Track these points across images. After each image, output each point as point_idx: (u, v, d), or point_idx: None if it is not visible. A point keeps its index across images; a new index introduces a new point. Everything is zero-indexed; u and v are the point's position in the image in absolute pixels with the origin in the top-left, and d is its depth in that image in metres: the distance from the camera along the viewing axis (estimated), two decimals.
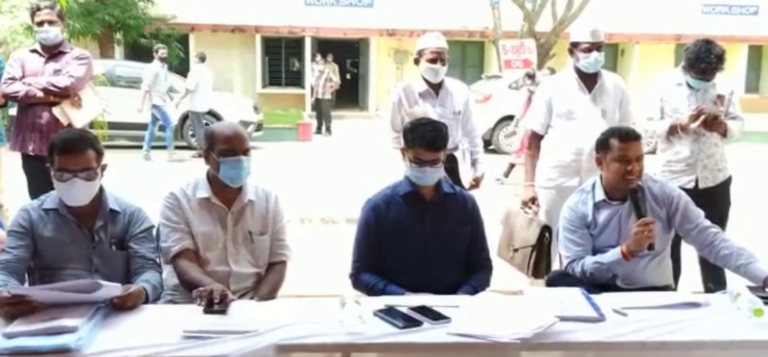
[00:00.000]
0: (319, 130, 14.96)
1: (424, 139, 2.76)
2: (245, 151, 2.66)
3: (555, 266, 3.47)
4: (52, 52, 4.27)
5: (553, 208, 3.68)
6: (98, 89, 4.66)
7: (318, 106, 15.37)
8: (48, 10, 4.22)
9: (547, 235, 3.40)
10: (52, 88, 4.18)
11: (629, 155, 2.77)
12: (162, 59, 10.79)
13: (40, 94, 4.17)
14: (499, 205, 3.84)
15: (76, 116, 4.24)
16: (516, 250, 3.48)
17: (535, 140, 3.89)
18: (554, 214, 3.62)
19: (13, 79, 4.23)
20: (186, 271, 2.60)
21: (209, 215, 2.71)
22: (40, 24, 4.21)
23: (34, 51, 4.33)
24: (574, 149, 3.68)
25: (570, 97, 3.72)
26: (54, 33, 4.23)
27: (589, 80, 3.72)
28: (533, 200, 3.76)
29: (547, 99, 3.82)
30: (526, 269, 3.40)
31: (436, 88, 3.99)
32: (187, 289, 2.57)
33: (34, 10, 4.25)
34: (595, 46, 3.64)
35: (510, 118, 11.93)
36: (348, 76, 21.93)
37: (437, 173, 2.81)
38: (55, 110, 4.19)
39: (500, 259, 3.54)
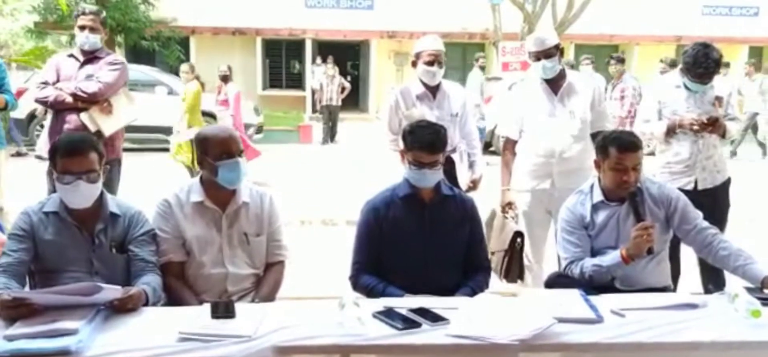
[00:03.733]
0: (325, 140, 13.59)
1: (423, 141, 2.77)
2: (240, 153, 2.69)
3: (548, 270, 3.49)
4: (88, 57, 4.27)
5: (530, 211, 3.73)
6: (133, 95, 4.55)
7: (326, 114, 13.79)
8: (92, 16, 4.24)
9: (518, 240, 3.44)
10: (80, 93, 4.16)
11: (626, 164, 2.78)
12: (482, 68, 10.89)
13: (70, 99, 4.15)
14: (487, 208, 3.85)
15: (105, 123, 4.20)
16: (492, 253, 3.51)
17: (509, 145, 3.91)
18: (531, 217, 3.71)
19: (46, 83, 4.24)
20: (169, 285, 2.65)
21: (203, 219, 2.73)
22: (82, 29, 4.22)
23: (71, 55, 4.35)
24: (544, 152, 3.69)
25: (537, 101, 3.74)
26: (93, 40, 4.24)
27: (554, 84, 3.73)
28: (510, 205, 3.77)
29: (517, 104, 3.87)
30: (499, 272, 3.45)
31: (434, 90, 4.00)
32: (170, 302, 2.61)
33: (79, 14, 4.26)
34: (543, 54, 3.65)
35: None
36: (348, 78, 21.93)
37: (436, 175, 2.82)
38: (83, 116, 4.17)
39: None
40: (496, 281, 3.05)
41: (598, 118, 3.72)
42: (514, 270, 3.42)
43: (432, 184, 2.84)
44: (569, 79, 3.74)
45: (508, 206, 3.76)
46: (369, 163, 9.22)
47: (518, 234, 3.45)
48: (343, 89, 14.16)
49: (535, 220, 3.73)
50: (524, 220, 3.71)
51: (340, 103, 14.11)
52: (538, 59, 3.66)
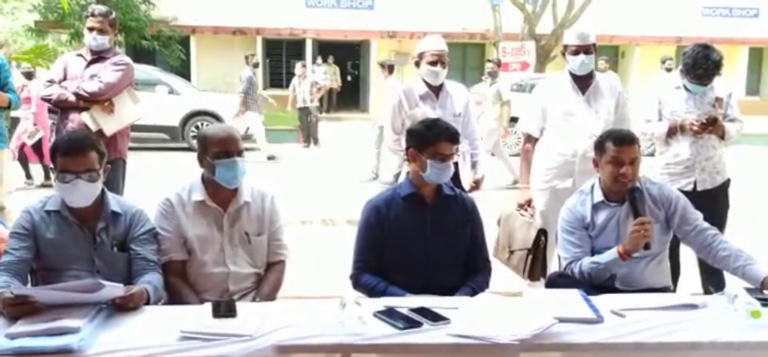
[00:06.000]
0: (307, 142, 12.77)
1: (448, 132, 2.80)
2: (239, 152, 2.70)
3: (552, 268, 3.48)
4: (95, 57, 4.29)
5: (548, 210, 3.71)
6: (138, 95, 4.54)
7: (303, 116, 12.82)
8: (101, 17, 4.26)
9: (543, 238, 3.42)
10: (81, 92, 4.18)
11: (622, 158, 2.79)
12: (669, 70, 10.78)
13: (72, 98, 4.18)
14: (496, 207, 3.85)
15: (106, 122, 4.20)
16: (512, 252, 3.49)
17: (529, 143, 3.91)
18: (549, 216, 3.65)
19: (52, 82, 4.27)
20: (170, 284, 2.66)
21: (205, 218, 2.73)
22: (90, 30, 4.26)
23: (79, 55, 4.38)
24: (568, 151, 3.70)
25: (564, 99, 3.74)
26: (100, 41, 4.26)
27: (583, 82, 3.73)
28: (529, 203, 3.77)
29: (541, 101, 3.85)
30: (523, 272, 3.42)
31: (437, 90, 4.00)
32: (172, 301, 2.62)
33: (88, 15, 4.30)
34: (583, 49, 3.66)
35: (510, 120, 11.97)
36: (349, 78, 21.94)
37: (452, 168, 2.84)
38: (84, 115, 4.18)
39: (496, 260, 3.55)
40: (496, 281, 3.04)
41: (619, 120, 3.71)
42: (537, 268, 3.39)
43: (448, 178, 2.85)
44: (597, 80, 3.75)
45: (527, 204, 3.76)
46: (369, 163, 9.26)
47: (542, 232, 3.42)
48: (320, 89, 13.32)
49: (552, 219, 3.70)
50: (541, 220, 3.68)
51: (315, 103, 12.91)
52: (576, 54, 3.66)
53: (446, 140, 2.77)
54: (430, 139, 2.78)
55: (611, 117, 3.71)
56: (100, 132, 4.07)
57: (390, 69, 9.86)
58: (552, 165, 3.76)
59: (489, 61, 10.14)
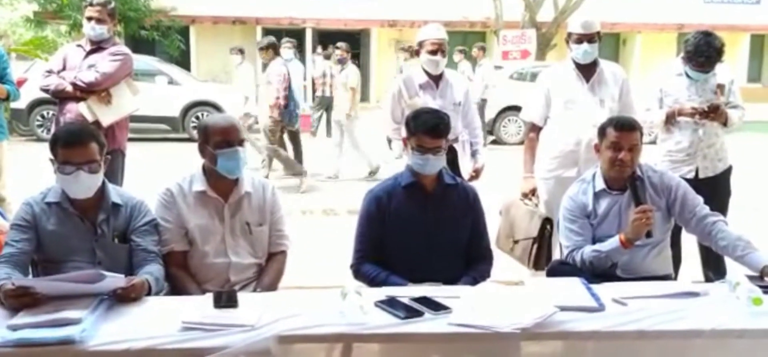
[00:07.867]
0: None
1: (427, 125, 2.78)
2: (241, 142, 2.69)
3: (556, 257, 3.48)
4: (94, 47, 4.29)
5: (552, 199, 3.69)
6: (137, 85, 4.52)
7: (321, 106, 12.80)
8: (99, 7, 4.24)
9: (548, 227, 3.41)
10: (78, 82, 4.17)
11: (622, 144, 2.79)
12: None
13: (70, 88, 4.18)
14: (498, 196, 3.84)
15: (103, 113, 4.19)
16: (516, 242, 3.49)
17: (533, 131, 3.90)
18: (554, 205, 3.63)
19: (51, 72, 4.28)
20: (171, 274, 2.66)
21: (206, 208, 2.73)
22: (89, 19, 4.25)
23: (79, 45, 4.38)
24: (572, 139, 3.68)
25: (568, 87, 3.73)
26: (99, 30, 4.25)
27: (586, 70, 3.72)
28: (533, 192, 3.76)
29: (545, 90, 3.83)
30: (527, 261, 3.41)
31: (437, 79, 4.00)
32: (173, 291, 2.62)
33: (87, 5, 4.28)
34: (586, 37, 3.64)
35: (512, 108, 11.95)
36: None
37: (439, 161, 2.82)
38: (81, 106, 4.17)
39: (499, 250, 3.55)
40: (497, 270, 3.04)
41: (624, 109, 3.69)
42: (542, 257, 3.39)
43: (435, 170, 2.84)
44: (601, 67, 3.73)
45: (531, 193, 3.75)
46: (370, 152, 9.24)
47: (547, 221, 3.42)
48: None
49: (556, 207, 3.69)
50: (545, 209, 3.68)
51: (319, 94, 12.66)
52: (579, 42, 3.64)
53: (425, 133, 2.76)
54: (412, 129, 2.80)
55: (616, 105, 3.69)
56: (97, 123, 4.06)
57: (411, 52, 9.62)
58: (556, 154, 3.75)
59: (337, 47, 9.92)
